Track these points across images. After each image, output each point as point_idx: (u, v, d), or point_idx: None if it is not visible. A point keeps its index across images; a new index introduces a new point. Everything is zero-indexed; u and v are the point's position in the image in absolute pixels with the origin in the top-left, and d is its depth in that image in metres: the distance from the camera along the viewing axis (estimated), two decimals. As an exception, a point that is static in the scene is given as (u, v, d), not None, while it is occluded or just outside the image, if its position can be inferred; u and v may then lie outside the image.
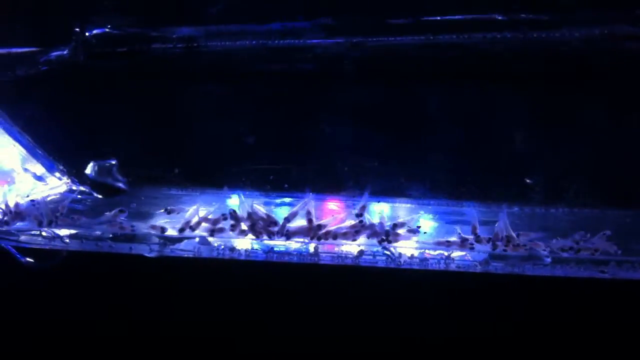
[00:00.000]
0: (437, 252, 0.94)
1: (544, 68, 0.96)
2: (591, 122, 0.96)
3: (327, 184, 1.01)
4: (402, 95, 0.99)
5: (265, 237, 0.93)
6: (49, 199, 1.04)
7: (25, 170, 1.08)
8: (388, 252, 0.93)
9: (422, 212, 0.97)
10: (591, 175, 0.97)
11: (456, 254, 0.94)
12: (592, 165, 0.97)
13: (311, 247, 0.94)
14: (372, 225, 0.92)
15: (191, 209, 0.97)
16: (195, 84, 1.03)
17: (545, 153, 0.97)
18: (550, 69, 0.95)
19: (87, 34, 1.00)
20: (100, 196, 1.03)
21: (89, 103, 1.04)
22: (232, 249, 0.95)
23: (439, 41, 0.95)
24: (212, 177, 1.03)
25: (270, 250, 0.95)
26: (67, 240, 0.96)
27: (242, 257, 0.94)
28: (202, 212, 0.95)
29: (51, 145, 1.09)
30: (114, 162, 1.03)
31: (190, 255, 0.95)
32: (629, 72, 0.95)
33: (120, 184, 1.02)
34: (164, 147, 1.06)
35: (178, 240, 0.96)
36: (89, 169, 1.02)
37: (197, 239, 0.95)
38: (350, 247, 0.94)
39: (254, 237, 0.93)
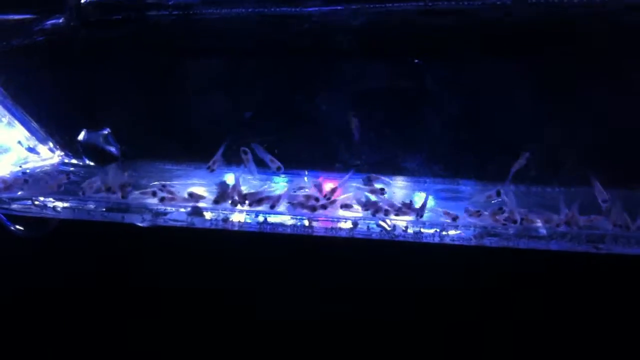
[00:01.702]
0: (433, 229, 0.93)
1: (544, 35, 0.94)
2: (590, 96, 0.95)
3: (323, 157, 1.01)
4: (401, 64, 0.98)
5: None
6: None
7: (19, 142, 1.07)
8: (384, 224, 0.92)
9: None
10: (589, 151, 0.96)
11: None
12: (591, 140, 0.96)
13: (305, 220, 0.94)
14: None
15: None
16: (191, 52, 1.02)
17: (543, 127, 0.97)
18: (550, 37, 0.94)
19: (81, 1, 0.99)
20: (93, 164, 1.02)
21: (84, 73, 1.03)
22: (226, 219, 0.94)
23: (438, 7, 0.94)
24: (207, 150, 1.02)
25: (264, 221, 0.94)
26: (59, 209, 0.95)
27: (236, 228, 0.93)
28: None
29: (45, 116, 1.08)
30: (107, 132, 1.02)
31: (183, 225, 0.94)
32: (631, 44, 0.94)
33: (114, 150, 1.02)
34: (159, 118, 1.06)
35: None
36: (81, 137, 1.02)
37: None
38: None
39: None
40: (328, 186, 0.97)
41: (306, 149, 1.02)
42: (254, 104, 1.03)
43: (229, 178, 0.98)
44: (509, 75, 0.96)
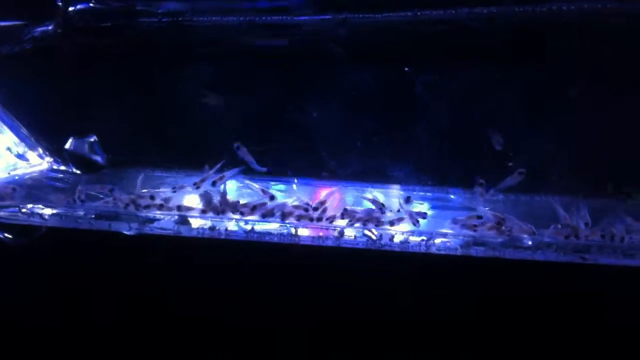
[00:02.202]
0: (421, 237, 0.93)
1: (531, 43, 0.95)
2: (578, 103, 0.95)
3: (310, 164, 1.01)
4: (389, 72, 0.99)
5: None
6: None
7: (7, 148, 1.07)
8: (369, 234, 0.92)
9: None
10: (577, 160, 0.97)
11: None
12: (579, 149, 0.97)
13: (292, 228, 0.94)
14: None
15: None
16: (181, 60, 1.02)
17: (531, 135, 0.97)
18: (536, 45, 0.95)
19: (70, 8, 0.99)
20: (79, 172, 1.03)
21: (73, 80, 1.03)
22: (212, 228, 0.94)
23: (426, 17, 0.95)
24: (196, 157, 1.02)
25: (251, 230, 0.94)
26: (46, 217, 0.95)
27: (222, 237, 0.93)
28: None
29: (34, 123, 1.08)
30: (93, 139, 1.02)
31: (170, 234, 0.94)
32: (615, 49, 0.94)
33: (99, 160, 1.02)
34: (149, 125, 1.06)
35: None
36: (68, 145, 1.02)
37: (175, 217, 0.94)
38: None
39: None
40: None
41: (295, 156, 1.02)
42: (244, 111, 1.03)
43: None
44: (498, 83, 0.97)
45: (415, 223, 0.93)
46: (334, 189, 1.00)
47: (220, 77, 1.03)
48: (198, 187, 0.96)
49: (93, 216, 0.96)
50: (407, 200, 0.95)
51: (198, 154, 1.04)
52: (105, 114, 1.06)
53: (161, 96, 1.04)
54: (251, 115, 1.03)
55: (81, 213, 0.96)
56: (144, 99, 1.05)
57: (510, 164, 0.95)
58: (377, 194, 0.99)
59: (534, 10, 0.92)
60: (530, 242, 0.91)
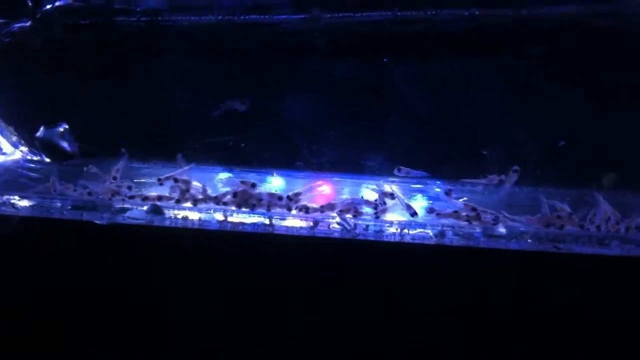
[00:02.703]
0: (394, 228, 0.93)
1: (511, 44, 0.96)
2: (556, 99, 0.96)
3: (289, 157, 1.01)
4: (368, 70, 0.99)
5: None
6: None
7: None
8: (344, 224, 0.92)
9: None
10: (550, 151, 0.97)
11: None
12: (552, 140, 0.96)
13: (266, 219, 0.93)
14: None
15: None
16: (159, 58, 1.02)
17: (506, 128, 0.97)
18: (517, 45, 0.95)
19: (48, 6, 0.98)
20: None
21: (52, 76, 1.03)
22: (185, 218, 0.93)
23: (407, 17, 0.95)
24: (174, 151, 1.02)
25: (224, 220, 0.93)
26: (19, 207, 0.95)
27: (195, 226, 0.93)
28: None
29: (10, 116, 1.07)
30: (64, 127, 1.02)
31: (142, 224, 0.93)
32: (598, 49, 0.95)
33: (70, 148, 1.01)
34: (126, 119, 1.05)
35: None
36: (39, 134, 1.01)
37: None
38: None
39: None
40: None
41: (273, 148, 1.02)
42: (221, 107, 1.02)
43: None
44: (476, 79, 0.98)
45: (414, 214, 0.93)
46: (319, 182, 0.99)
47: (198, 74, 1.03)
48: (161, 184, 0.96)
49: (70, 207, 0.95)
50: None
51: (175, 147, 1.03)
52: (83, 110, 1.05)
53: (138, 92, 1.04)
54: (229, 108, 1.03)
55: (58, 204, 0.96)
56: (120, 94, 1.04)
57: (484, 152, 0.94)
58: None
59: (514, 12, 0.93)
60: (504, 231, 0.91)
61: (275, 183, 1.00)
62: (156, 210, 0.93)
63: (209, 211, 0.94)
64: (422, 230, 0.92)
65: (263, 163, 1.00)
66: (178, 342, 1.00)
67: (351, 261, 0.94)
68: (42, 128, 1.01)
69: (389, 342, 0.97)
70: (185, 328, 0.99)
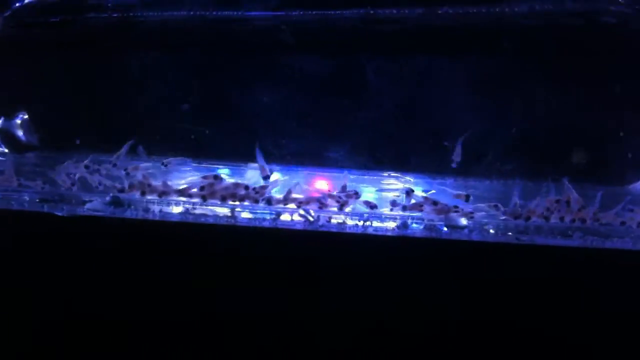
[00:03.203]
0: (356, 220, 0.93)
1: (484, 43, 0.97)
2: (517, 93, 0.98)
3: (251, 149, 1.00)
4: (340, 67, 1.00)
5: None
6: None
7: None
8: (307, 215, 0.92)
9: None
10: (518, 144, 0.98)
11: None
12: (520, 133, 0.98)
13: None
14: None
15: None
16: (130, 55, 1.02)
17: (470, 122, 0.97)
18: (490, 43, 0.97)
19: (17, 4, 0.98)
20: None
21: (22, 73, 1.02)
22: (147, 209, 0.93)
23: (378, 15, 0.95)
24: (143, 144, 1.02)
25: (186, 211, 0.93)
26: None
27: (157, 218, 0.92)
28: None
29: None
30: (22, 118, 1.01)
31: (104, 215, 0.92)
32: (567, 47, 0.97)
33: (30, 139, 1.01)
34: (98, 116, 1.04)
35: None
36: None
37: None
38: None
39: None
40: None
41: (235, 141, 1.02)
42: (193, 102, 1.02)
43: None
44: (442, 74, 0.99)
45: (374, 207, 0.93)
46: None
47: (169, 70, 1.03)
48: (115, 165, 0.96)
49: (37, 200, 0.95)
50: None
51: (144, 142, 1.02)
52: (54, 107, 1.04)
53: (108, 88, 1.03)
54: (198, 103, 1.03)
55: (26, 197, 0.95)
56: (91, 91, 1.04)
57: (445, 143, 0.95)
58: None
59: (488, 11, 0.95)
60: (466, 223, 0.91)
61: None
62: (116, 202, 0.92)
63: (171, 203, 0.93)
64: (384, 222, 0.92)
65: (224, 155, 1.00)
66: (141, 340, 0.99)
67: (314, 253, 0.94)
68: (1, 119, 1.01)
69: (354, 334, 0.97)
70: (144, 326, 0.99)
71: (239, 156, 0.99)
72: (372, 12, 0.97)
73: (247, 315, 0.96)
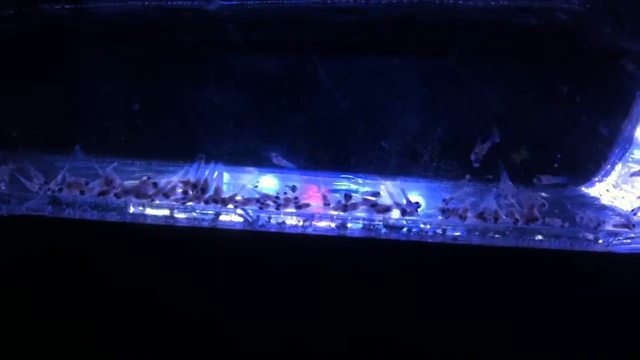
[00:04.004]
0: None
1: (439, 36, 0.98)
2: (474, 92, 0.98)
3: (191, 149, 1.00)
4: (285, 66, 1.00)
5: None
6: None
7: None
8: (245, 215, 0.92)
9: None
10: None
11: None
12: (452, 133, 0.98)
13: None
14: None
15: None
16: (85, 46, 1.01)
17: (418, 125, 0.98)
18: (445, 38, 0.97)
19: None
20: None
21: None
22: (85, 209, 0.92)
23: (336, 5, 0.95)
24: (97, 143, 1.01)
25: (124, 212, 0.93)
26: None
27: (95, 217, 0.92)
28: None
29: None
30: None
31: (42, 215, 0.92)
32: (519, 45, 0.97)
33: None
34: (53, 112, 1.03)
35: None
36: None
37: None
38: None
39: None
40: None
41: (175, 140, 1.02)
42: (144, 96, 1.02)
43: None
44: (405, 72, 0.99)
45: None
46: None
47: (124, 62, 1.02)
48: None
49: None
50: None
51: (97, 140, 1.02)
52: (7, 100, 1.04)
53: (63, 82, 1.03)
54: (147, 100, 1.02)
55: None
56: (47, 86, 1.03)
57: (383, 144, 0.95)
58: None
59: (441, 3, 0.95)
60: (404, 223, 0.91)
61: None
62: (55, 202, 0.92)
63: (108, 204, 0.93)
64: (324, 222, 0.92)
65: (164, 155, 0.99)
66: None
67: (255, 253, 0.94)
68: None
69: (297, 336, 0.97)
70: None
71: (181, 156, 0.98)
72: (329, 2, 0.96)
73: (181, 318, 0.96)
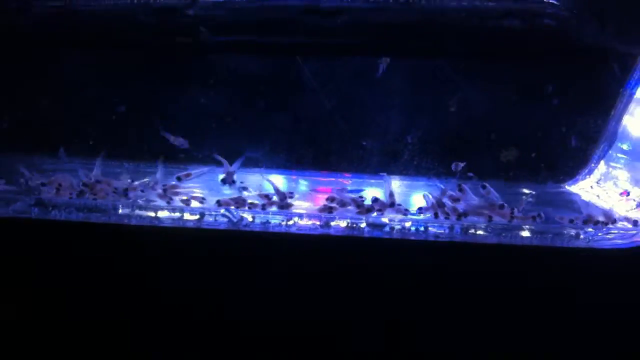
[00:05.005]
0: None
1: (424, 37, 0.98)
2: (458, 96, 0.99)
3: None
4: (277, 62, 1.01)
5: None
6: None
7: None
8: (229, 215, 0.92)
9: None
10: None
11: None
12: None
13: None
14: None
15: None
16: (70, 43, 1.02)
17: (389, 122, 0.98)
18: (429, 39, 0.98)
19: None
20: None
21: None
22: (70, 211, 0.93)
23: (321, 7, 0.96)
24: (79, 144, 1.02)
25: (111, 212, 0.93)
26: None
27: (80, 219, 0.93)
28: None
29: None
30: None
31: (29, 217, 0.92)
32: (504, 48, 0.98)
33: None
34: (37, 110, 1.05)
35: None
36: None
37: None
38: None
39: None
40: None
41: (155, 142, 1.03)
42: (125, 97, 1.03)
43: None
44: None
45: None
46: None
47: (111, 62, 1.03)
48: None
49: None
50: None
51: (79, 140, 1.03)
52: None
53: (48, 80, 1.04)
54: (133, 101, 1.03)
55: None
56: (30, 84, 1.04)
57: (364, 143, 0.96)
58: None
59: (426, 5, 0.95)
60: (387, 221, 0.91)
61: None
62: (40, 204, 0.92)
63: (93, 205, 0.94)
64: (307, 220, 0.92)
65: (148, 157, 1.00)
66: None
67: (238, 253, 0.94)
68: None
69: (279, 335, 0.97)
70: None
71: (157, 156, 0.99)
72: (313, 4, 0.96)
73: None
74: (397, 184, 0.97)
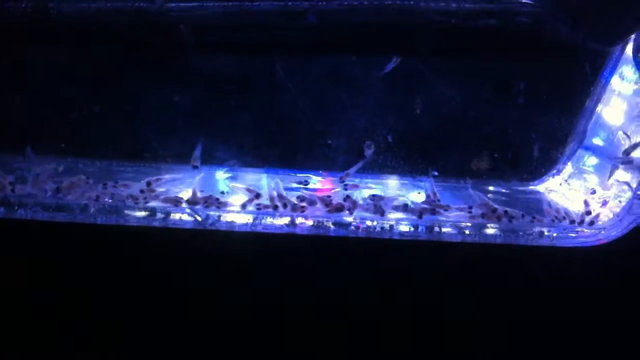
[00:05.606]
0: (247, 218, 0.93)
1: (399, 37, 0.98)
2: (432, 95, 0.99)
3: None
4: (249, 61, 1.00)
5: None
6: None
7: None
8: (197, 216, 0.93)
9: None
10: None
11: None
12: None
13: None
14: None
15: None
16: (46, 44, 1.01)
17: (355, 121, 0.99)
18: (404, 39, 0.97)
19: None
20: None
21: None
22: (38, 210, 0.93)
23: (297, 8, 0.95)
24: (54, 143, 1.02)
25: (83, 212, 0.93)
26: None
27: (46, 219, 0.93)
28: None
29: None
30: None
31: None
32: (479, 46, 0.98)
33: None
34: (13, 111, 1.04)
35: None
36: None
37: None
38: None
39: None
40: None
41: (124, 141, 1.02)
42: (101, 96, 1.02)
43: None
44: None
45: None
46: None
47: (85, 62, 1.02)
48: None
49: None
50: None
51: (54, 140, 1.03)
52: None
53: (24, 81, 1.03)
54: (111, 99, 1.03)
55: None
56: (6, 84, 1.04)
57: (329, 142, 0.96)
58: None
59: (401, 6, 0.95)
60: (351, 220, 0.91)
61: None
62: (6, 204, 0.93)
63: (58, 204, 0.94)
64: (274, 219, 0.92)
65: (112, 154, 1.00)
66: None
67: (205, 253, 0.95)
68: None
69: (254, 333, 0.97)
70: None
71: (130, 156, 0.99)
72: (290, 3, 0.94)
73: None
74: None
